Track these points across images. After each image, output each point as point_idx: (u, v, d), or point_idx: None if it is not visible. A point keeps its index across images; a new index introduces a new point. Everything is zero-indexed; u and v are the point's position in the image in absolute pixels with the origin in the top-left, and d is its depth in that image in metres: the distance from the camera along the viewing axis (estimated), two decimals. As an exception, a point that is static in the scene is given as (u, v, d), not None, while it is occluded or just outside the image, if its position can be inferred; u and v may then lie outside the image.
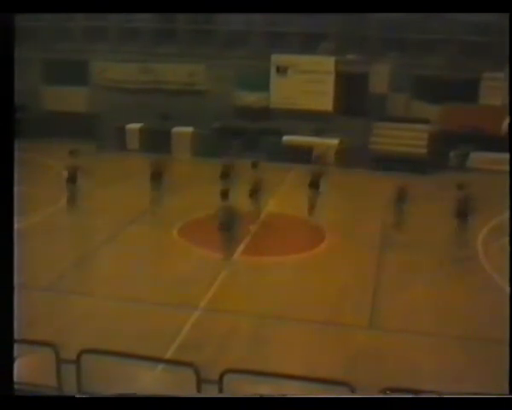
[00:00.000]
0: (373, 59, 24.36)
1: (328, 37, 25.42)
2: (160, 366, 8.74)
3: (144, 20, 26.52)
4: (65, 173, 17.64)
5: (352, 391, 5.63)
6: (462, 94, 23.28)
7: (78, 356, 6.50)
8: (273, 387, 5.85)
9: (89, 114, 26.22)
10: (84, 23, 26.82)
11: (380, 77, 24.32)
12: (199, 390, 6.00)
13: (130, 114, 25.56)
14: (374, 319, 11.81)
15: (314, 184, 17.14)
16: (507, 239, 13.27)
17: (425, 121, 23.83)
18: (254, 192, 16.95)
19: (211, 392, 5.95)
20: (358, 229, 16.96)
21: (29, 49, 24.12)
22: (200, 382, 6.06)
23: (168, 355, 9.72)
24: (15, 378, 4.52)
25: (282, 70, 25.49)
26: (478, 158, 23.42)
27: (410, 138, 23.60)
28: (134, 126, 26.09)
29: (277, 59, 25.48)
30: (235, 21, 25.87)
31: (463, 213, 14.81)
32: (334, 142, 24.36)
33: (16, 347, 4.68)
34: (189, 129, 25.67)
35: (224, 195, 16.97)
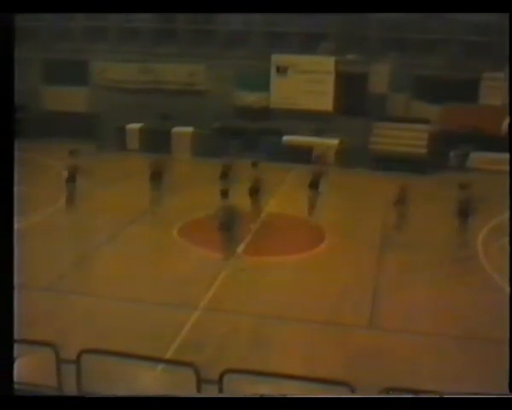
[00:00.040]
0: (373, 59, 24.36)
1: (328, 37, 25.41)
2: (160, 366, 8.74)
3: (144, 20, 26.51)
4: (65, 173, 17.66)
5: (352, 391, 5.62)
6: (462, 94, 23.28)
7: (78, 356, 6.50)
8: (273, 387, 5.85)
9: (89, 114, 26.22)
10: (84, 23, 26.81)
11: (380, 77, 24.32)
12: (199, 390, 6.00)
13: (130, 114, 25.56)
14: (374, 319, 11.81)
15: (314, 185, 17.15)
16: (507, 239, 13.25)
17: (425, 121, 23.83)
18: (254, 191, 16.96)
19: (211, 392, 5.95)
20: (358, 229, 16.96)
21: (29, 49, 24.11)
22: (200, 382, 6.06)
23: (168, 355, 9.72)
24: (15, 378, 4.52)
25: (282, 70, 25.49)
26: (478, 158, 23.42)
27: (410, 138, 23.61)
28: (134, 126, 26.10)
29: (277, 59, 25.48)
30: (235, 21, 25.87)
31: (465, 212, 14.82)
32: (334, 142, 24.36)
33: (16, 347, 4.68)
34: (189, 129, 25.67)
35: (224, 194, 16.99)
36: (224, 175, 17.96)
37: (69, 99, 26.80)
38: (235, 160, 18.99)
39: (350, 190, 20.60)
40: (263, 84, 25.63)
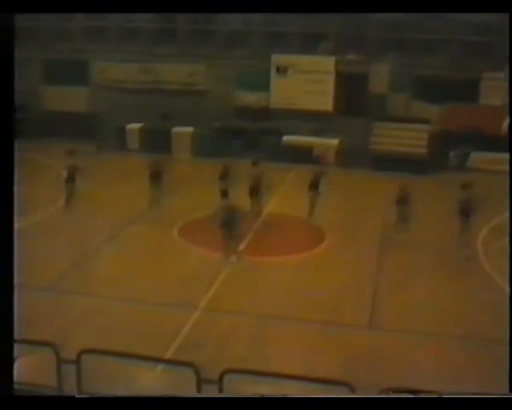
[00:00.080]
0: (373, 59, 24.36)
1: (328, 37, 25.41)
2: (160, 366, 8.75)
3: (144, 20, 26.50)
4: (64, 173, 17.67)
5: (352, 391, 5.63)
6: (462, 94, 23.27)
7: (78, 356, 6.50)
8: (273, 387, 5.86)
9: (89, 114, 26.21)
10: (84, 23, 26.80)
11: (380, 77, 24.31)
12: (199, 390, 6.01)
13: (130, 114, 25.56)
14: (374, 319, 11.81)
15: (314, 186, 17.12)
16: (507, 239, 13.31)
17: (425, 121, 23.83)
18: (255, 191, 16.98)
19: (211, 392, 5.95)
20: (358, 229, 16.96)
21: (29, 49, 24.12)
22: (200, 382, 6.06)
23: (168, 355, 9.72)
24: (15, 378, 4.53)
25: (282, 70, 25.48)
26: (478, 158, 23.41)
27: (410, 138, 23.60)
28: (134, 126, 26.09)
29: (277, 59, 25.48)
30: (235, 21, 25.85)
31: (466, 212, 14.84)
32: (334, 142, 24.36)
33: (16, 347, 4.68)
34: (189, 129, 25.67)
35: (224, 194, 16.98)
36: (224, 175, 17.94)
37: (69, 99, 26.79)
38: (234, 160, 18.98)
39: (350, 190, 20.60)
40: (263, 84, 25.62)
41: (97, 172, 20.81)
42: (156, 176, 17.82)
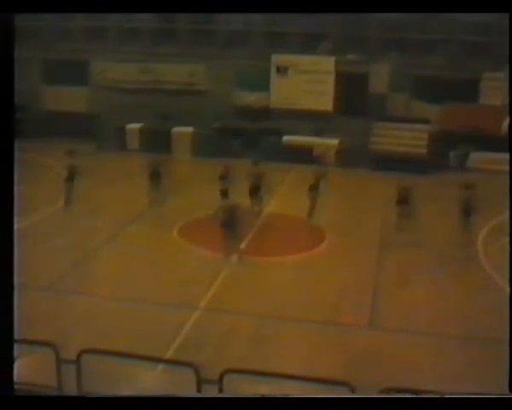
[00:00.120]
0: (373, 59, 24.36)
1: (328, 37, 25.42)
2: (160, 366, 8.74)
3: (144, 20, 26.52)
4: (64, 173, 17.68)
5: (352, 391, 5.62)
6: (462, 94, 23.28)
7: (78, 356, 6.50)
8: (273, 387, 5.85)
9: (89, 114, 26.22)
10: (84, 23, 26.82)
11: (380, 77, 24.32)
12: (199, 390, 6.00)
13: (130, 114, 25.57)
14: (374, 319, 11.81)
15: (314, 188, 17.09)
16: (507, 239, 13.28)
17: (425, 121, 23.83)
18: (255, 190, 16.99)
19: (211, 392, 5.95)
20: (358, 229, 16.96)
21: (29, 49, 24.13)
22: (200, 382, 6.06)
23: (168, 355, 9.72)
24: (15, 378, 4.52)
25: (282, 70, 25.49)
26: (478, 158, 23.42)
27: (410, 138, 23.60)
28: (134, 126, 26.10)
29: (277, 59, 25.49)
30: (235, 21, 25.87)
31: (467, 212, 14.85)
32: (334, 142, 24.36)
33: (16, 347, 4.68)
34: (189, 129, 25.67)
35: (224, 194, 16.97)
36: (224, 175, 17.93)
37: (69, 99, 26.80)
38: (234, 160, 18.98)
39: (350, 190, 20.61)
40: (263, 84, 25.63)
41: (97, 172, 20.82)
42: (155, 176, 17.82)
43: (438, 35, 24.08)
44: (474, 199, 14.92)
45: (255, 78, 25.71)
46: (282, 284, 13.31)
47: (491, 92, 23.21)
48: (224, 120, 25.44)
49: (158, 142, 24.51)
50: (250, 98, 25.77)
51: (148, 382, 8.39)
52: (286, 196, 20.11)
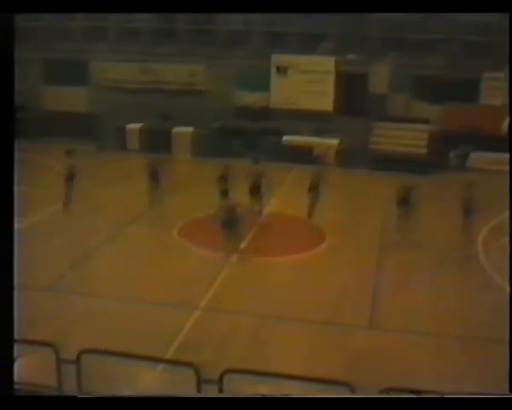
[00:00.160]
0: (373, 59, 24.36)
1: (328, 37, 25.42)
2: (160, 366, 8.74)
3: (144, 20, 26.52)
4: (64, 173, 17.67)
5: (352, 391, 5.63)
6: (462, 94, 23.28)
7: (78, 356, 6.50)
8: (273, 387, 5.85)
9: (89, 114, 26.23)
10: (84, 23, 26.82)
11: (380, 77, 24.32)
12: (199, 390, 6.01)
13: (130, 114, 25.57)
14: (374, 319, 11.81)
15: (314, 188, 17.07)
16: (507, 239, 13.30)
17: (425, 121, 23.84)
18: (255, 189, 16.99)
19: (211, 392, 5.95)
20: (358, 229, 16.96)
21: (29, 49, 24.13)
22: (200, 382, 6.06)
23: (168, 355, 9.72)
24: (15, 378, 4.52)
25: (282, 70, 25.49)
26: (478, 158, 23.42)
27: (410, 138, 23.60)
28: (134, 126, 26.10)
29: (277, 59, 25.49)
30: (235, 21, 25.87)
31: (469, 212, 14.87)
32: (334, 142, 24.36)
33: (16, 347, 4.68)
34: (189, 129, 25.68)
35: (224, 194, 16.96)
36: (224, 175, 17.88)
37: (69, 99, 26.80)
38: (234, 160, 18.97)
39: (350, 190, 20.60)
40: (263, 84, 25.63)
41: (97, 172, 20.84)
42: (154, 176, 17.82)
43: (438, 35, 24.08)
44: (475, 199, 14.93)
45: (255, 78, 25.72)
46: (282, 284, 13.31)
47: (491, 92, 23.21)
48: (223, 120, 25.44)
49: (158, 142, 24.51)
50: (250, 98, 25.78)
51: (148, 382, 8.40)
52: (286, 195, 20.11)
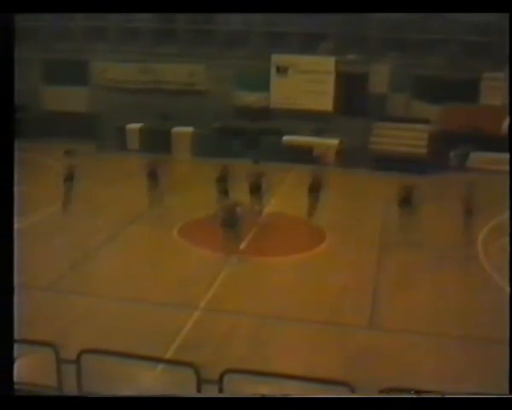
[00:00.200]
0: (373, 59, 24.36)
1: (328, 37, 25.41)
2: (160, 366, 8.75)
3: (144, 20, 26.52)
4: (64, 173, 17.67)
5: (352, 391, 5.63)
6: (462, 94, 23.28)
7: (78, 356, 6.50)
8: (273, 387, 5.85)
9: (89, 114, 26.22)
10: (84, 23, 26.82)
11: (380, 77, 24.32)
12: (199, 390, 6.01)
13: (130, 114, 25.57)
14: (374, 319, 11.81)
15: (314, 189, 17.06)
16: (507, 239, 13.28)
17: (425, 121, 23.83)
18: (256, 189, 16.99)
19: (211, 392, 5.95)
20: (358, 229, 16.96)
21: (29, 49, 24.13)
22: (200, 382, 6.06)
23: (168, 355, 9.73)
24: (15, 378, 4.52)
25: (282, 70, 25.49)
26: (478, 158, 23.42)
27: (410, 138, 23.60)
28: (134, 126, 26.10)
29: (277, 59, 25.49)
30: (235, 21, 25.87)
31: (470, 211, 14.88)
32: (334, 142, 24.36)
33: (16, 347, 4.68)
34: (189, 129, 25.67)
35: (225, 193, 16.97)
36: (224, 175, 17.87)
37: (69, 99, 26.80)
38: (234, 160, 18.97)
39: (350, 190, 20.60)
40: (263, 84, 25.63)
41: (97, 172, 20.84)
42: (153, 176, 17.82)
43: (438, 35, 24.08)
44: (475, 199, 14.93)
45: (255, 78, 25.71)
46: (282, 283, 13.31)
47: (491, 92, 23.21)
48: (223, 120, 25.44)
49: (158, 142, 24.51)
50: (250, 98, 25.77)
51: (148, 382, 8.39)
52: (286, 195, 20.12)
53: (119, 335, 10.24)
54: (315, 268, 14.35)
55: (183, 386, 6.18)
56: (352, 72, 24.27)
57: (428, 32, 24.11)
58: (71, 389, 6.40)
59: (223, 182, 17.52)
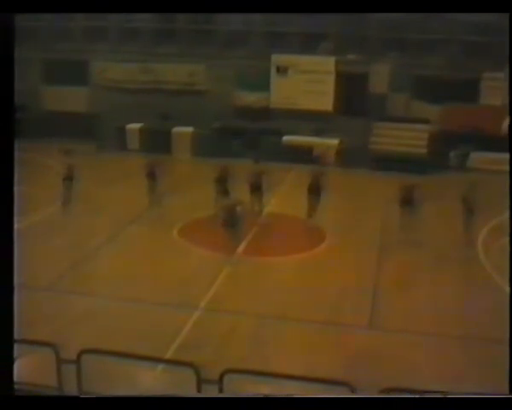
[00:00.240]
0: (373, 59, 24.36)
1: (328, 37, 25.41)
2: (160, 366, 8.75)
3: (144, 20, 26.52)
4: (63, 173, 17.68)
5: (352, 391, 5.63)
6: (462, 94, 23.28)
7: (78, 356, 6.50)
8: (273, 387, 5.85)
9: (89, 114, 26.23)
10: (84, 23, 26.82)
11: (380, 77, 24.32)
12: (199, 390, 6.01)
13: (130, 114, 25.57)
14: (374, 319, 11.80)
15: (313, 189, 17.04)
16: (507, 239, 13.30)
17: (425, 121, 23.83)
18: (256, 188, 16.99)
19: (211, 392, 5.95)
20: (358, 229, 16.95)
21: (29, 49, 24.13)
22: (200, 382, 6.06)
23: (168, 355, 9.72)
24: (15, 378, 4.52)
25: (282, 70, 25.49)
26: (478, 158, 23.41)
27: (410, 138, 23.60)
28: (134, 126, 26.10)
29: (277, 59, 25.49)
30: (235, 21, 25.87)
31: (471, 211, 14.88)
32: (334, 142, 24.36)
33: (16, 347, 4.68)
34: (189, 129, 25.67)
35: (225, 193, 16.96)
36: (224, 175, 17.85)
37: (69, 99, 26.80)
38: (234, 160, 18.97)
39: (350, 190, 20.59)
40: (263, 84, 25.63)
41: (97, 172, 20.85)
42: (152, 176, 17.82)
43: (438, 35, 24.08)
44: (475, 199, 14.93)
45: (255, 78, 25.71)
46: (282, 283, 13.30)
47: (491, 92, 23.21)
48: (223, 120, 25.44)
49: (158, 142, 24.51)
50: (250, 98, 25.77)
51: (148, 382, 8.39)
52: (286, 195, 20.11)
53: (119, 335, 10.24)
54: (315, 268, 14.35)
55: (183, 386, 6.18)
56: (352, 72, 24.27)
57: (428, 32, 24.11)
58: (71, 389, 6.40)
59: (223, 182, 17.50)
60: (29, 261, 11.69)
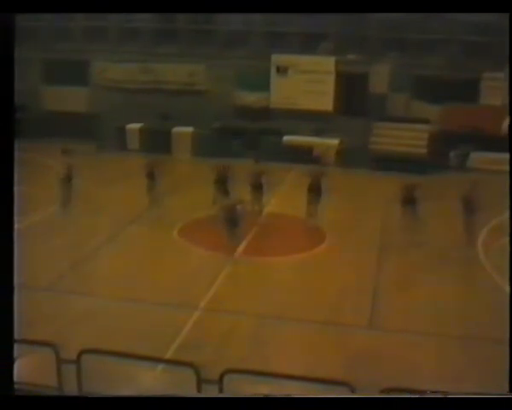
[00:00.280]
0: (373, 59, 24.37)
1: (328, 37, 25.42)
2: (160, 366, 8.75)
3: (144, 20, 26.53)
4: (62, 173, 17.68)
5: (352, 391, 5.63)
6: (462, 94, 23.29)
7: (78, 356, 6.50)
8: (273, 387, 5.85)
9: (89, 114, 26.23)
10: (84, 23, 26.84)
11: (380, 77, 24.32)
12: (199, 390, 6.01)
13: (130, 114, 25.57)
14: (374, 319, 11.81)
15: (313, 189, 17.05)
16: (507, 239, 13.27)
17: (425, 121, 23.84)
18: (256, 188, 16.99)
19: (211, 392, 5.95)
20: (358, 229, 16.95)
21: (29, 49, 24.10)
22: (200, 382, 6.06)
23: (168, 355, 9.72)
24: (15, 378, 4.52)
25: (282, 70, 25.50)
26: (478, 158, 23.42)
27: (410, 138, 23.61)
28: (134, 126, 26.10)
29: (277, 59, 25.49)
30: (235, 21, 25.89)
31: (471, 211, 14.88)
32: (334, 142, 24.36)
33: (16, 347, 4.67)
34: (189, 129, 25.68)
35: (225, 193, 16.97)
36: (225, 175, 17.86)
37: (69, 99, 26.81)
38: (234, 160, 18.97)
39: (350, 190, 20.59)
40: (263, 84, 25.63)
41: (97, 172, 20.85)
42: (152, 177, 17.82)
43: (438, 35, 24.08)
44: (475, 199, 14.94)
45: (255, 78, 25.72)
46: (282, 283, 13.31)
47: (491, 92, 23.21)
48: (224, 120, 25.44)
49: (158, 142, 24.52)
50: (250, 98, 25.78)
51: (148, 382, 8.39)
52: (286, 195, 20.12)
53: (119, 335, 10.24)
54: (315, 268, 14.35)
55: (183, 386, 6.19)
56: (352, 72, 24.28)
57: (428, 32, 24.12)
58: (71, 389, 6.40)
59: (223, 182, 17.52)
60: (29, 261, 11.68)
